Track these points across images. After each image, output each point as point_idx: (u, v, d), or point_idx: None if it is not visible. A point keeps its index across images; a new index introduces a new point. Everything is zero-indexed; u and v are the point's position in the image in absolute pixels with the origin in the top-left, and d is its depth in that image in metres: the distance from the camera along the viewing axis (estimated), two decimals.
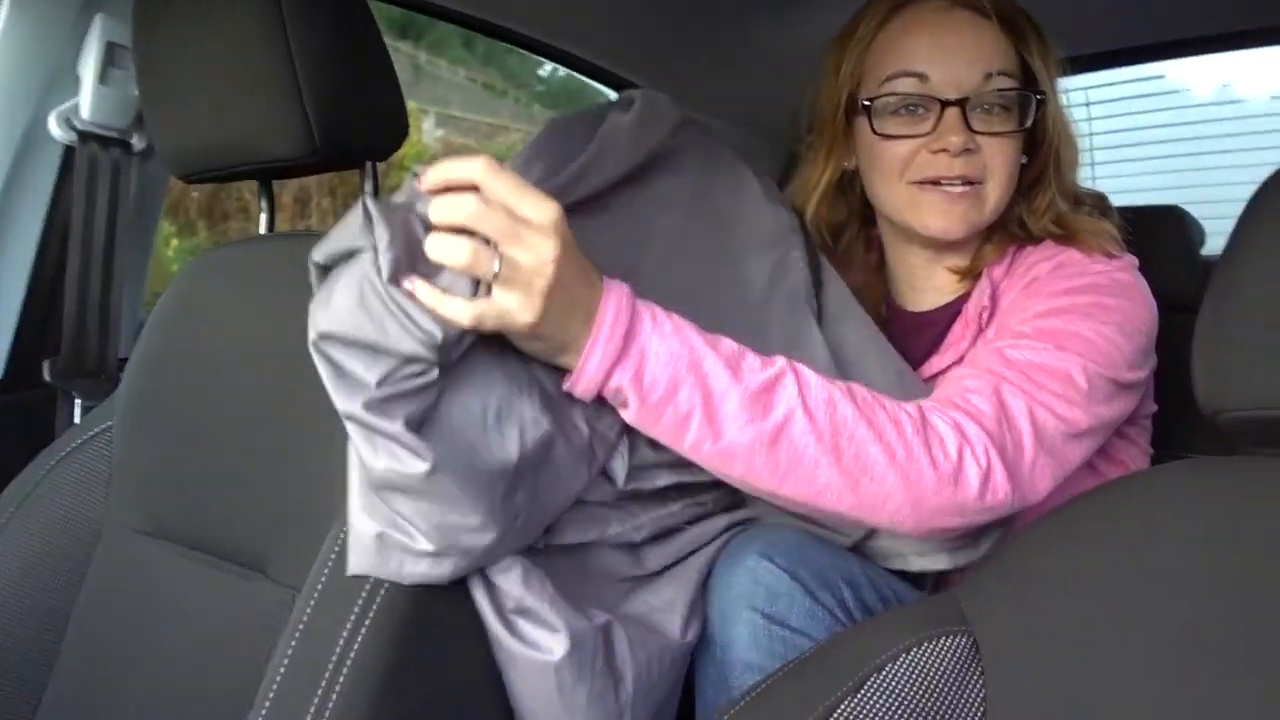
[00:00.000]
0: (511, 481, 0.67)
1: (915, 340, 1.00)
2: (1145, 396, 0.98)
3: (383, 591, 0.63)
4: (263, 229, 0.95)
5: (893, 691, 0.61)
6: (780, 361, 0.74)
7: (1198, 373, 0.63)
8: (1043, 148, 0.96)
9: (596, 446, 0.74)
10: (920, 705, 0.61)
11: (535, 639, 0.68)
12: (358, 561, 0.64)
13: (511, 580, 0.68)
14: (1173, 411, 1.04)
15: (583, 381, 0.69)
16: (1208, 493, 0.62)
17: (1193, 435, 1.11)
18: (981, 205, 0.93)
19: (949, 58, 0.91)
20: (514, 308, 0.64)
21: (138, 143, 1.15)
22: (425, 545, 0.63)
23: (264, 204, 0.94)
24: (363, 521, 0.64)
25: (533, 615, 0.68)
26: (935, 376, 0.96)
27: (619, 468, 0.76)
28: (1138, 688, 0.57)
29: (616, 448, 0.76)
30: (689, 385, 0.70)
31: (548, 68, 3.31)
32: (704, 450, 0.72)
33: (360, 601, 0.63)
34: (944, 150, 0.91)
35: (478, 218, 0.63)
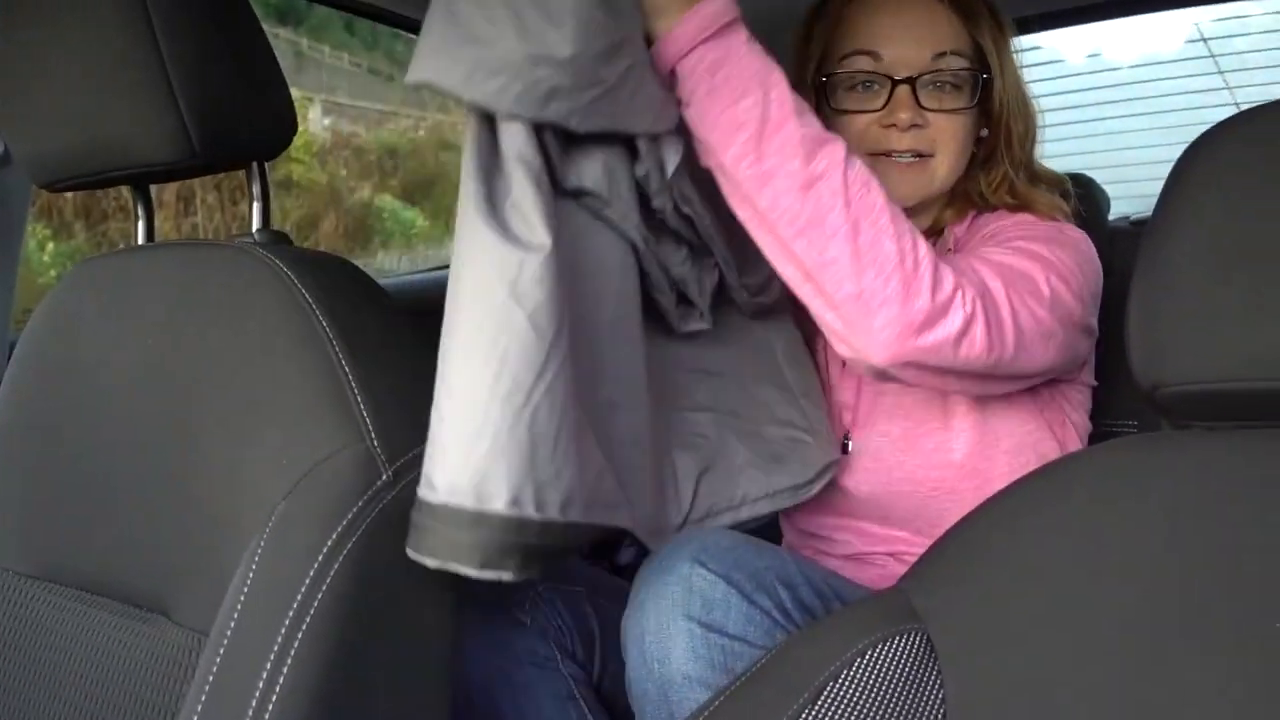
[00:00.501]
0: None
1: None
2: (1086, 364, 1.01)
3: (302, 633, 0.58)
4: (140, 238, 0.87)
5: (851, 700, 0.59)
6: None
7: (1133, 348, 0.62)
8: (997, 122, 1.00)
9: None
10: (880, 712, 0.59)
11: None
12: None
13: None
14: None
15: (670, 43, 0.74)
16: (1153, 469, 0.62)
17: (1120, 404, 1.13)
18: (931, 176, 0.97)
19: (900, 37, 0.96)
20: None
21: None
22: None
23: (140, 211, 0.87)
24: None
25: None
26: None
27: None
28: (1099, 673, 0.56)
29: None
30: (755, 99, 0.73)
31: None
32: (742, 167, 0.74)
33: (278, 645, 0.58)
34: (894, 125, 0.95)
35: None
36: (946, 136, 0.96)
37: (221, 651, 0.60)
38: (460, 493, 0.62)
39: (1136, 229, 1.40)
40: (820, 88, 0.99)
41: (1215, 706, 0.53)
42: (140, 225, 0.86)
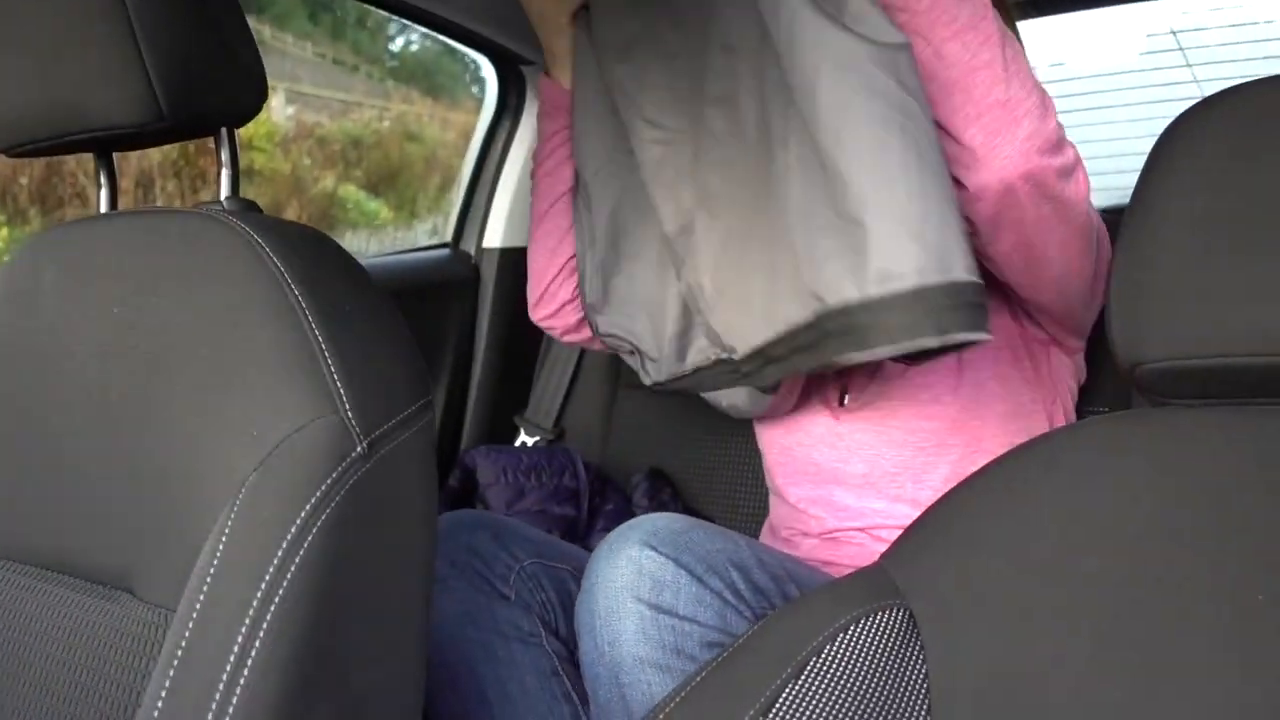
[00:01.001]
0: None
1: None
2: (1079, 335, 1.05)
3: (273, 608, 0.56)
4: (103, 206, 0.84)
5: (834, 674, 0.58)
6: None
7: (1114, 327, 0.62)
8: None
9: None
10: (863, 686, 0.58)
11: None
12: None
13: None
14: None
15: None
16: (1134, 446, 0.62)
17: (1095, 390, 1.14)
18: None
19: None
20: None
21: None
22: None
23: (103, 179, 0.84)
24: None
25: None
26: None
27: None
28: (1080, 649, 0.56)
29: None
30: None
31: (399, 41, 3.17)
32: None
33: (248, 621, 0.56)
34: None
35: None
36: None
37: (190, 627, 0.58)
38: (928, 271, 0.68)
39: (1112, 217, 1.42)
40: None
41: (1200, 679, 0.53)
42: (103, 193, 0.83)
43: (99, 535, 0.70)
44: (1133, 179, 0.67)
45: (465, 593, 0.95)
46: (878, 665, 0.59)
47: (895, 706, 0.58)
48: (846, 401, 1.04)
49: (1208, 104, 0.61)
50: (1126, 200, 1.56)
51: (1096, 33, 1.94)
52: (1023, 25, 1.79)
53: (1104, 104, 1.96)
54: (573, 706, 0.94)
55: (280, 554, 0.58)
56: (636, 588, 0.81)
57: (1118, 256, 0.63)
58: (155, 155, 2.33)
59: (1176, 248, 0.59)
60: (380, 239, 2.97)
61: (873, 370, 1.02)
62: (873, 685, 0.58)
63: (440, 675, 0.85)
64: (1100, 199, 1.49)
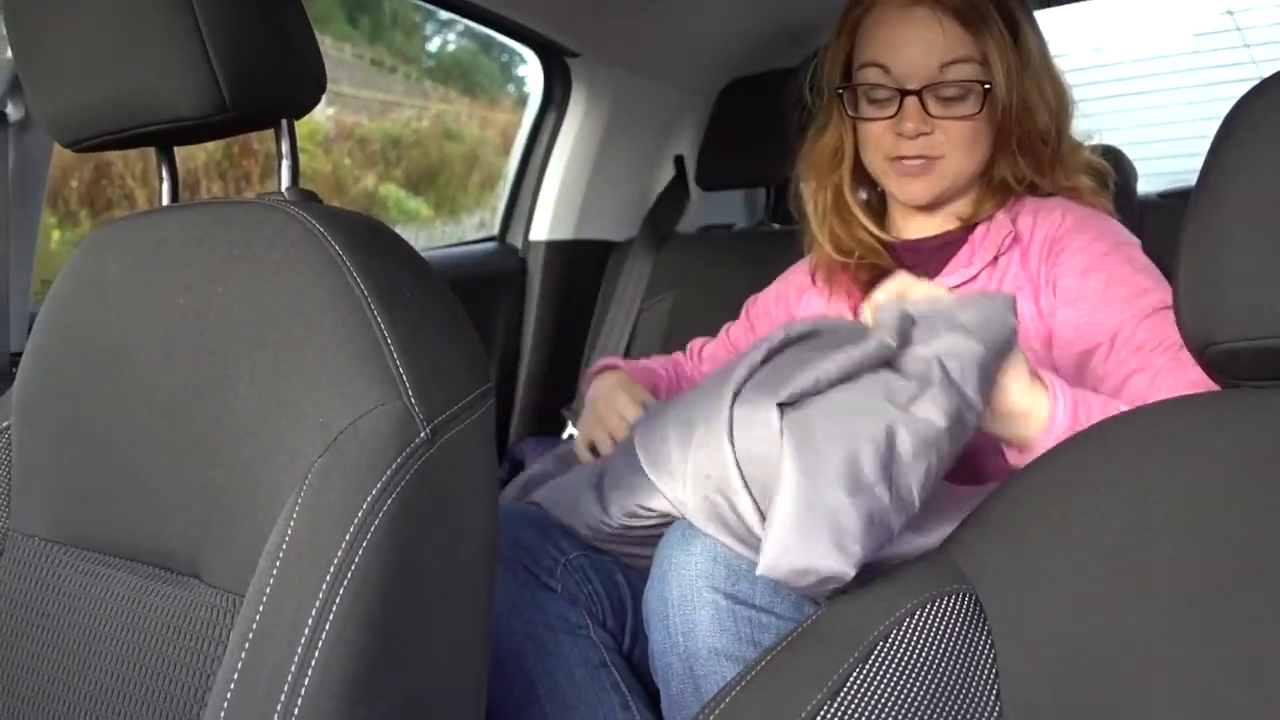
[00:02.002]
0: None
1: (914, 266, 1.06)
2: None
3: (342, 591, 0.57)
4: (165, 200, 0.85)
5: (902, 659, 0.58)
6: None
7: (1184, 308, 0.61)
8: (1007, 121, 1.03)
9: None
10: (932, 671, 0.58)
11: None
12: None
13: None
14: None
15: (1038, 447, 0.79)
16: (1204, 427, 0.61)
17: None
18: (942, 176, 1.03)
19: (907, 50, 1.00)
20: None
21: (14, 112, 1.03)
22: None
23: (165, 173, 0.85)
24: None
25: None
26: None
27: None
28: (1150, 635, 0.55)
29: None
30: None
31: (436, 41, 3.19)
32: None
33: (318, 604, 0.56)
34: (902, 133, 1.01)
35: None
36: (954, 140, 1.02)
37: (261, 610, 0.58)
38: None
39: (1166, 201, 1.39)
40: (841, 95, 1.07)
41: (1272, 665, 0.52)
42: (165, 187, 0.84)
43: (167, 522, 0.71)
44: (1186, 163, 0.65)
45: (511, 586, 0.95)
46: (946, 649, 0.59)
47: (964, 690, 0.58)
48: None
49: (1275, 80, 0.60)
50: (1178, 185, 1.53)
51: (1144, 17, 1.91)
52: (1064, 10, 1.78)
53: (1152, 88, 1.93)
54: (621, 696, 0.93)
55: (348, 538, 0.58)
56: (712, 576, 0.78)
57: (1186, 237, 0.61)
58: (200, 157, 2.37)
59: (1248, 226, 0.57)
60: (428, 235, 2.99)
61: None
62: (941, 669, 0.58)
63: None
64: (1152, 184, 1.48)
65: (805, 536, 0.66)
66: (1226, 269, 0.58)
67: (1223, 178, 0.60)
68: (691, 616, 0.79)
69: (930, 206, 1.08)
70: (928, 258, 1.09)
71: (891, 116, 1.02)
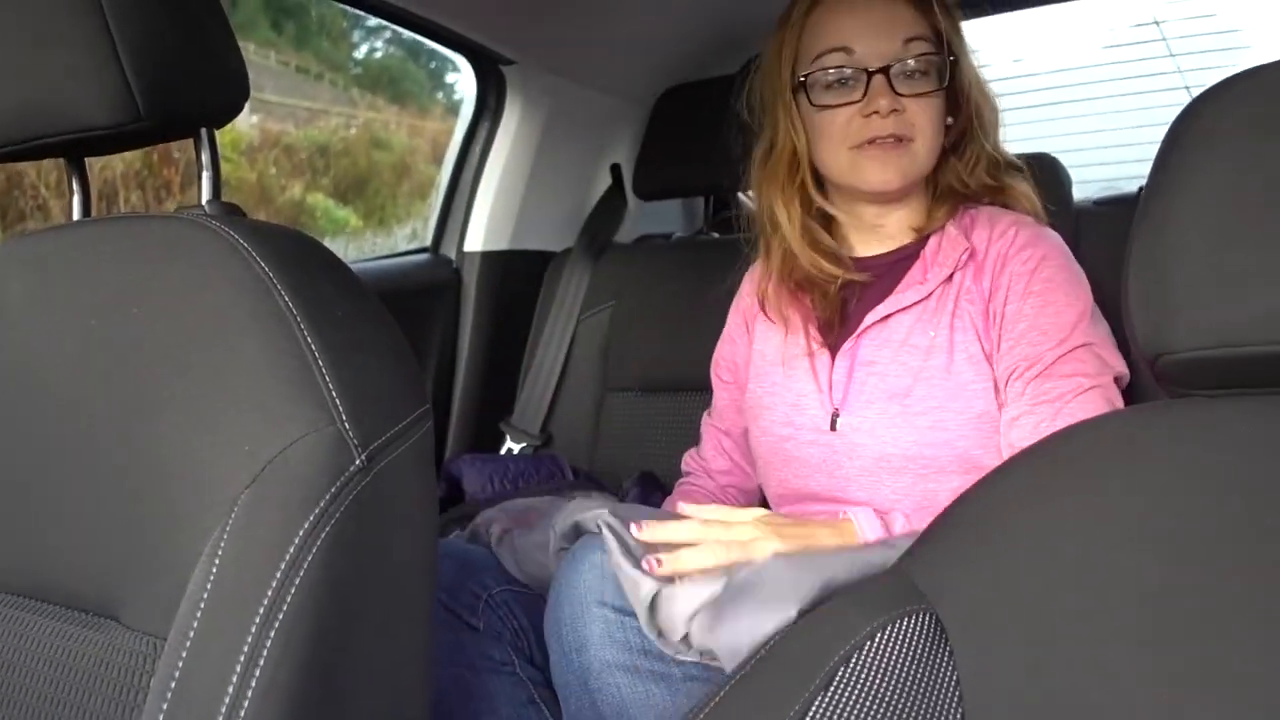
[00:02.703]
0: None
1: (870, 283, 1.08)
2: None
3: (274, 633, 0.53)
4: (76, 213, 0.80)
5: (864, 684, 0.56)
6: None
7: (1135, 317, 0.60)
8: (964, 105, 1.05)
9: None
10: (895, 695, 0.56)
11: None
12: None
13: None
14: None
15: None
16: (1160, 439, 0.60)
17: None
18: (913, 157, 1.02)
19: (869, 31, 1.01)
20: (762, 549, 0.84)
21: None
22: None
23: (75, 184, 0.80)
24: None
25: None
26: (893, 315, 1.04)
27: None
28: (1117, 650, 0.54)
29: None
30: None
31: (364, 48, 3.14)
32: None
33: (247, 647, 0.53)
34: (875, 113, 1.00)
35: (707, 534, 0.85)
36: (923, 119, 1.01)
37: (184, 656, 0.54)
38: None
39: (1102, 209, 1.41)
40: (799, 88, 1.05)
41: (1239, 677, 0.51)
42: (76, 200, 0.80)
43: (80, 560, 0.66)
44: (1116, 170, 0.65)
45: (438, 627, 0.93)
46: (908, 672, 0.57)
47: (928, 713, 0.56)
48: (839, 425, 1.04)
49: (1225, 86, 0.60)
50: (1110, 192, 1.55)
51: (1062, 27, 1.94)
52: (983, 22, 1.80)
53: (1075, 97, 1.96)
54: None
55: (279, 576, 0.55)
56: (600, 592, 0.80)
57: (1136, 245, 0.60)
58: (118, 165, 2.28)
59: (1198, 235, 0.57)
60: (358, 246, 2.93)
61: (868, 398, 1.03)
62: (904, 692, 0.56)
63: None
64: (1081, 191, 1.49)
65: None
66: (1178, 279, 0.57)
67: (1172, 185, 0.59)
68: (582, 632, 0.80)
69: (893, 204, 1.07)
70: (883, 273, 1.08)
71: (858, 100, 1.01)
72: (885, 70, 1.00)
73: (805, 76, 1.03)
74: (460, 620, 0.95)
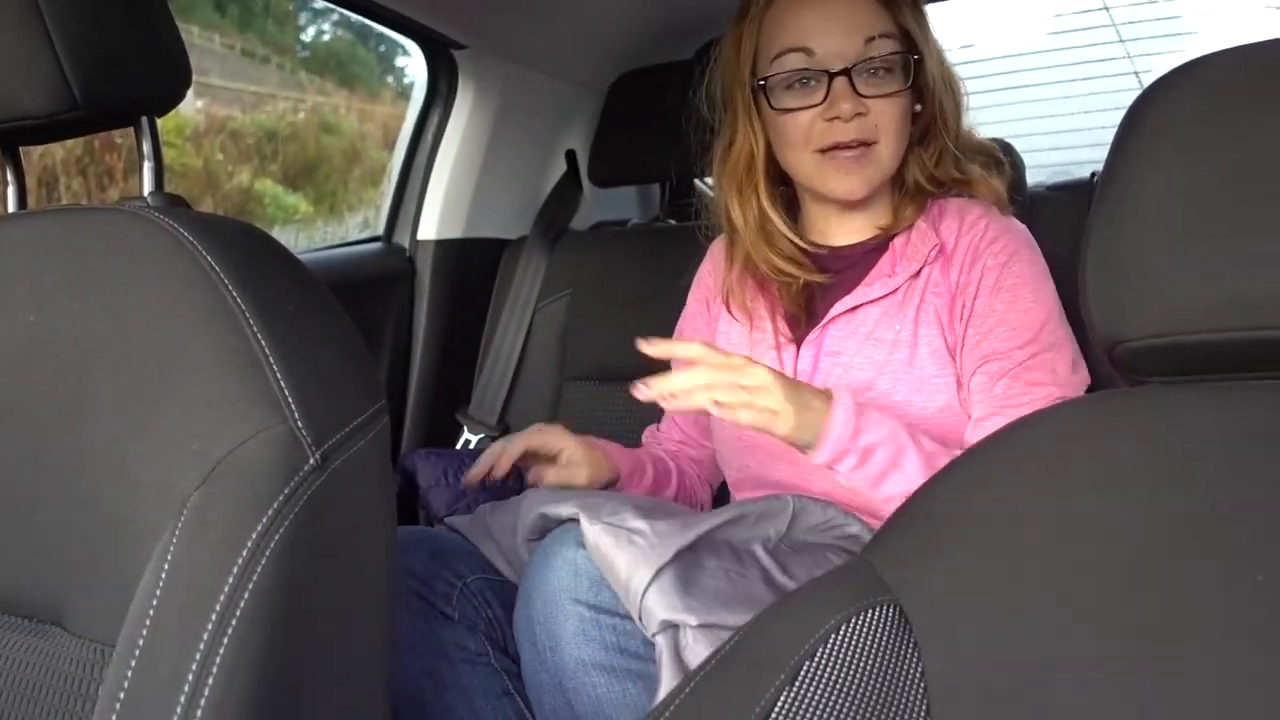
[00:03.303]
0: None
1: (838, 273, 1.07)
2: None
3: (227, 639, 0.51)
4: (11, 205, 0.77)
5: (829, 677, 0.56)
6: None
7: (1093, 305, 0.60)
8: (928, 100, 1.03)
9: None
10: (860, 687, 0.56)
11: None
12: None
13: None
14: None
15: (827, 454, 0.90)
16: (1120, 426, 0.60)
17: None
18: (878, 163, 1.00)
19: (829, 30, 0.97)
20: (765, 418, 0.86)
21: None
22: None
23: (10, 175, 0.77)
24: None
25: None
26: (860, 307, 1.03)
27: None
28: (1081, 639, 0.54)
29: None
30: (893, 467, 0.91)
31: (311, 31, 3.08)
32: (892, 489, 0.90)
33: (199, 654, 0.51)
34: (837, 118, 0.97)
35: (713, 372, 0.87)
36: (887, 120, 0.99)
37: (133, 664, 0.52)
38: None
39: (1055, 194, 1.42)
40: (758, 89, 1.02)
41: (1204, 665, 0.52)
42: (11, 191, 0.76)
43: (22, 565, 0.64)
44: (1067, 155, 0.65)
45: (405, 617, 0.91)
46: (872, 665, 0.57)
47: (893, 706, 0.56)
48: None
49: (1179, 74, 0.60)
50: (1061, 177, 1.56)
51: (1011, 13, 1.96)
52: (932, 9, 1.81)
53: (1025, 83, 1.98)
54: None
55: (231, 580, 0.53)
56: (574, 589, 0.78)
57: (1094, 232, 0.61)
58: (58, 151, 2.22)
59: (1154, 221, 0.57)
60: (309, 235, 2.88)
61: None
62: (869, 685, 0.56)
63: None
64: (1034, 176, 1.51)
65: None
66: (1135, 266, 0.57)
67: (1128, 173, 0.59)
68: (555, 630, 0.79)
69: (860, 204, 1.06)
70: (851, 264, 1.07)
71: (819, 103, 0.98)
72: (847, 71, 0.97)
73: (765, 79, 1.01)
74: (434, 609, 0.93)
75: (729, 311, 1.14)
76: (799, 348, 1.06)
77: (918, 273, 1.02)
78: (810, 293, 1.08)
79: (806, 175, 1.03)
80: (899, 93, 0.99)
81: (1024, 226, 1.04)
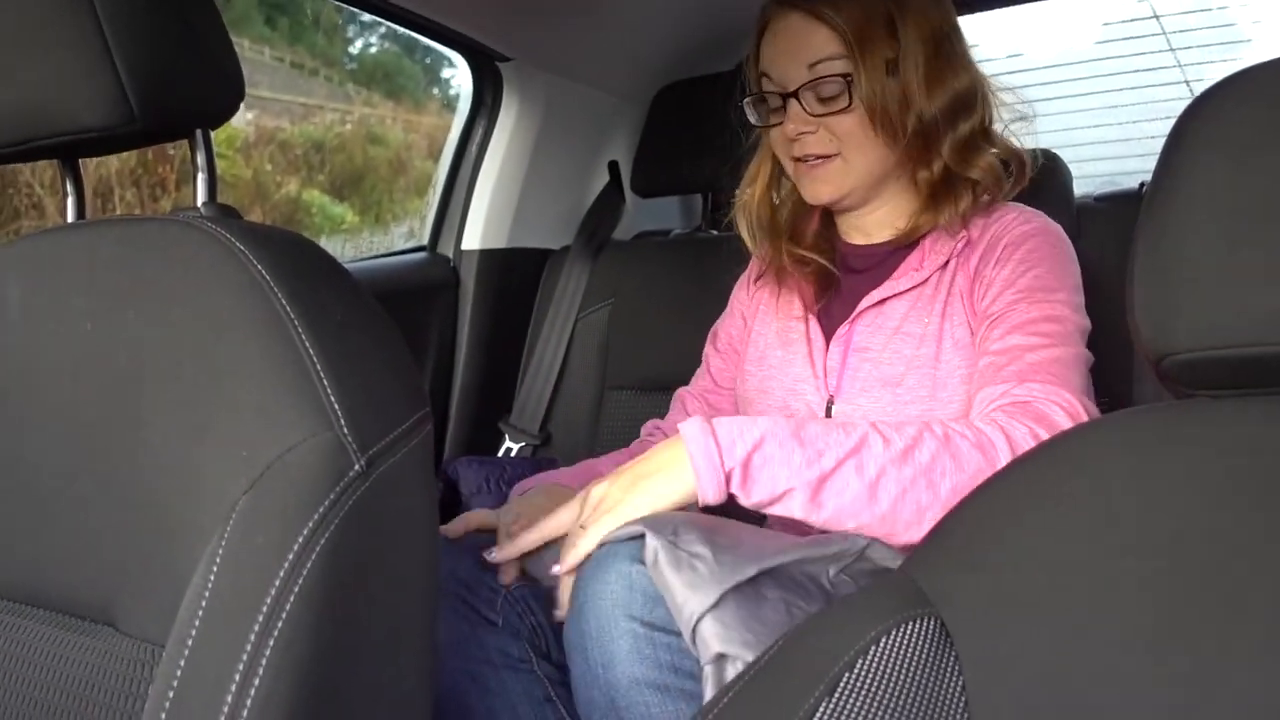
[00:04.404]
0: None
1: (868, 270, 1.11)
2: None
3: (273, 641, 0.52)
4: (70, 215, 0.79)
5: (869, 689, 0.55)
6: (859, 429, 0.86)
7: (1139, 317, 0.59)
8: (888, 115, 1.04)
9: None
10: (900, 701, 0.55)
11: None
12: None
13: None
14: None
15: (707, 483, 0.83)
16: (1167, 440, 0.59)
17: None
18: (845, 170, 1.06)
19: (781, 57, 1.06)
20: (607, 520, 0.83)
21: None
22: None
23: (69, 186, 0.79)
24: None
25: None
26: (888, 300, 1.06)
27: None
28: (1126, 655, 0.54)
29: None
30: (793, 485, 0.83)
31: (359, 44, 3.12)
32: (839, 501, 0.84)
33: (246, 655, 0.52)
34: (791, 135, 1.06)
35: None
36: (842, 133, 1.04)
37: (182, 664, 0.54)
38: None
39: (1102, 205, 1.40)
40: (747, 107, 1.11)
41: (1250, 682, 0.51)
42: (70, 201, 0.79)
43: (77, 566, 0.65)
44: (1115, 165, 0.64)
45: (450, 621, 0.92)
46: (913, 678, 0.56)
47: (933, 719, 0.55)
48: (833, 413, 1.06)
49: (1227, 84, 0.59)
50: (1109, 188, 1.54)
51: (1060, 21, 1.93)
52: (979, 17, 1.80)
53: (1074, 92, 1.96)
54: None
55: (278, 583, 0.54)
56: (629, 605, 0.76)
57: (1141, 243, 0.60)
58: (113, 163, 2.27)
59: (1203, 234, 0.56)
60: (354, 244, 2.92)
61: (862, 385, 1.05)
62: (909, 699, 0.56)
63: None
64: (1081, 187, 1.49)
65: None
66: (1183, 279, 0.57)
67: (1176, 184, 0.58)
68: (609, 647, 0.76)
69: (859, 207, 1.11)
70: (877, 262, 1.12)
71: (782, 121, 1.06)
72: (796, 93, 1.04)
73: (750, 96, 1.11)
74: (478, 615, 0.93)
75: (765, 299, 1.20)
76: (829, 342, 1.09)
77: (945, 264, 1.05)
78: (841, 288, 1.13)
79: (796, 180, 1.12)
80: (845, 110, 1.03)
81: (1058, 226, 1.06)
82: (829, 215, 1.17)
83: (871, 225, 1.13)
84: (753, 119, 1.12)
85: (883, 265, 1.10)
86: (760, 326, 1.20)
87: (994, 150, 1.08)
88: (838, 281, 1.13)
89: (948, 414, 0.98)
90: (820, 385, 1.07)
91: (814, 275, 1.13)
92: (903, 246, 1.10)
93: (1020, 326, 0.95)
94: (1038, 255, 1.00)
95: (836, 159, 1.05)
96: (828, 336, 1.10)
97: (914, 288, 1.05)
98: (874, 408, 1.02)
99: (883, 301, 1.06)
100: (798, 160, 1.08)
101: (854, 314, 1.08)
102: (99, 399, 0.65)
